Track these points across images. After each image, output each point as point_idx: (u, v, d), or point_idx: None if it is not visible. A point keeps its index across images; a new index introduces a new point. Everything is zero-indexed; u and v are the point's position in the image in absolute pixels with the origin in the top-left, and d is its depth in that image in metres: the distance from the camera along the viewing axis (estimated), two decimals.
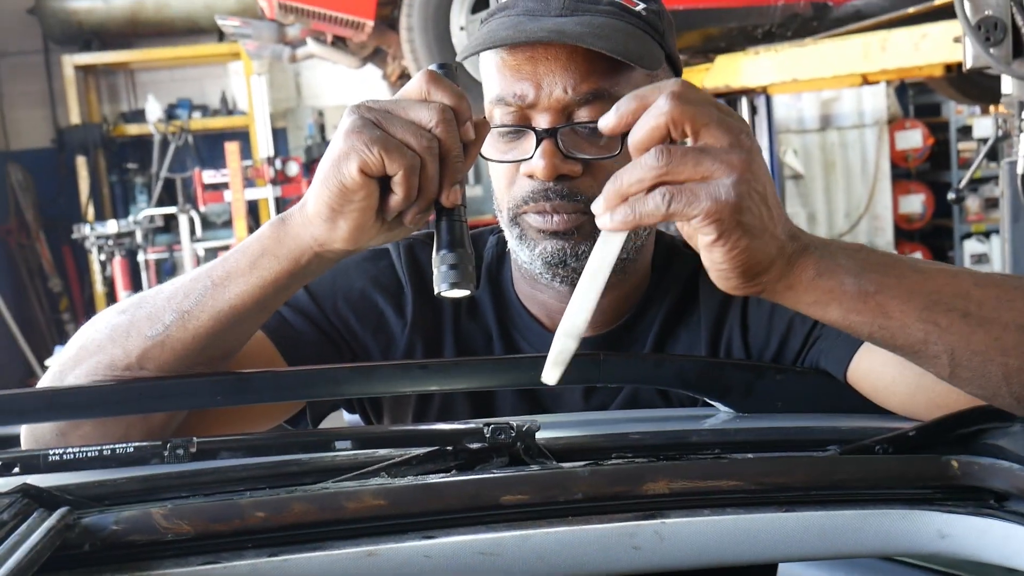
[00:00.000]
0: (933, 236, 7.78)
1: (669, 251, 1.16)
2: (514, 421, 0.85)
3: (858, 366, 0.98)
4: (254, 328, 0.94)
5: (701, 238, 0.75)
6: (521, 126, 1.02)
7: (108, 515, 0.75)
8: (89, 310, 7.83)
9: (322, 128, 8.32)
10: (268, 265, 0.87)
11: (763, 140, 5.12)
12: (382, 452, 0.84)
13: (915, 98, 7.87)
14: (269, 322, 1.01)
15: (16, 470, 0.78)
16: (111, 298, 7.18)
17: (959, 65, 2.67)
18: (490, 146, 1.05)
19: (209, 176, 7.08)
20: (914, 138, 7.68)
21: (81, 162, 7.93)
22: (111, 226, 6.77)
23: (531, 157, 1.01)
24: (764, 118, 5.15)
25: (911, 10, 3.37)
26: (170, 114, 8.06)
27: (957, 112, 7.52)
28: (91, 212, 7.89)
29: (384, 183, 0.82)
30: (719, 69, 4.03)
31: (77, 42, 7.93)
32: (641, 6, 1.05)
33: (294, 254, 0.86)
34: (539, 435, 0.87)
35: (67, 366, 0.92)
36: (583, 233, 1.03)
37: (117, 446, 0.79)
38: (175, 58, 8.04)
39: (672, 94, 0.74)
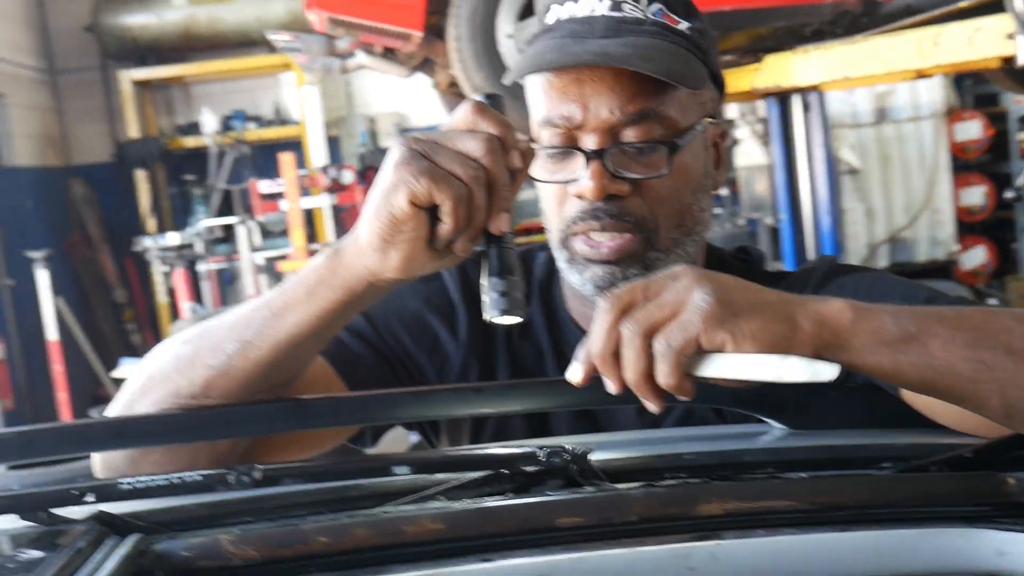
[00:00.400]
0: (996, 228, 7.64)
1: (719, 265, 1.17)
2: (568, 444, 0.86)
3: None
4: (313, 355, 0.96)
5: (728, 349, 0.77)
6: (569, 147, 1.04)
7: (178, 541, 0.78)
8: (152, 320, 8.00)
9: (374, 135, 8.41)
10: (324, 295, 0.89)
11: (816, 136, 5.08)
12: (440, 476, 0.86)
13: (973, 88, 7.73)
14: (328, 346, 1.04)
15: (91, 498, 0.81)
16: (173, 308, 7.32)
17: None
18: (539, 167, 1.06)
19: (265, 186, 7.19)
20: (973, 129, 7.54)
21: (141, 175, 8.10)
22: (171, 238, 6.90)
23: (580, 178, 1.03)
24: (817, 114, 5.11)
25: (963, 4, 3.32)
26: (225, 126, 8.20)
27: (1017, 102, 7.38)
28: (152, 224, 8.06)
29: (433, 213, 0.84)
30: (769, 68, 4.01)
31: (133, 58, 8.10)
32: (684, 25, 1.06)
33: (349, 284, 0.89)
34: (593, 456, 0.88)
35: (136, 395, 0.95)
36: (633, 258, 1.04)
37: (186, 474, 0.82)
38: (228, 70, 8.18)
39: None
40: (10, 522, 0.82)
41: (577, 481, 0.86)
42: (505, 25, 3.59)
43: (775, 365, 0.77)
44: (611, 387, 0.81)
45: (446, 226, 0.84)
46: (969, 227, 7.69)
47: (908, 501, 0.84)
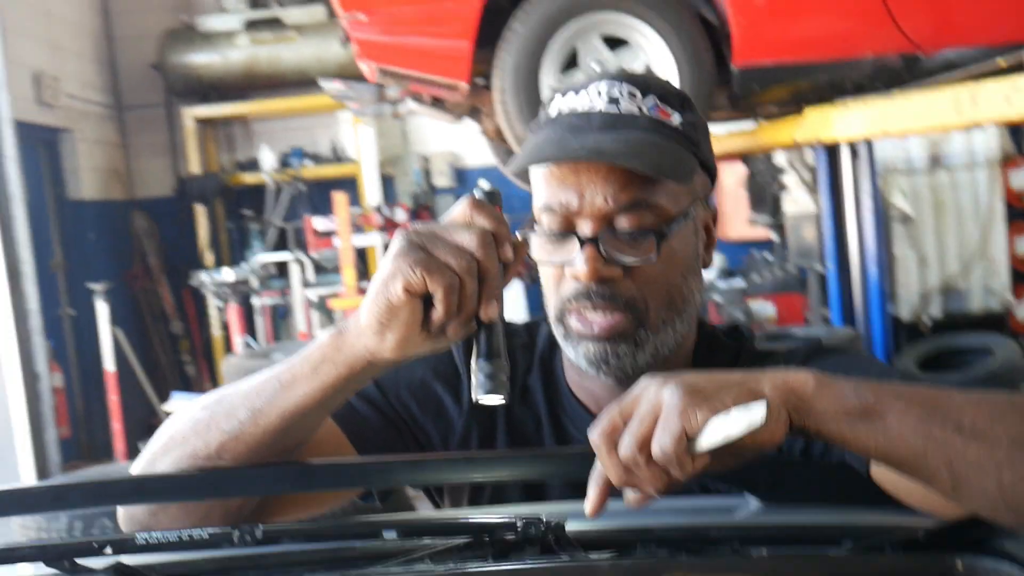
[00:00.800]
0: None
1: (710, 342, 1.23)
2: (546, 513, 0.93)
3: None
4: (318, 424, 1.05)
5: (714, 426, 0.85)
6: (566, 231, 1.12)
7: None
8: (207, 352, 8.19)
9: (428, 174, 8.56)
10: (327, 371, 0.98)
11: (864, 185, 5.09)
12: (427, 540, 0.93)
13: None
14: (340, 410, 1.12)
15: (109, 551, 0.90)
16: (227, 341, 7.50)
17: None
18: (539, 248, 1.14)
19: (319, 223, 7.35)
20: None
21: (200, 210, 8.32)
22: (226, 274, 7.07)
23: (575, 261, 1.11)
24: (865, 163, 5.11)
25: (1001, 62, 3.34)
26: (283, 163, 8.40)
27: None
28: (210, 257, 8.27)
29: (427, 300, 0.92)
30: (810, 121, 4.05)
31: (197, 95, 8.35)
32: (676, 118, 1.14)
33: (349, 361, 0.97)
34: (572, 524, 0.95)
35: (157, 454, 1.04)
36: (623, 336, 1.12)
37: (194, 532, 0.90)
38: (287, 109, 8.39)
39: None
40: (37, 569, 0.91)
41: (553, 549, 0.93)
42: (548, 77, 3.69)
43: (735, 416, 0.84)
44: (645, 500, 0.89)
45: (438, 312, 0.92)
46: None
47: None
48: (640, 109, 1.14)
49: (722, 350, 1.23)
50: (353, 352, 0.97)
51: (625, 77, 1.17)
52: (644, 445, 0.86)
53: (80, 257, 7.60)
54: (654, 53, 3.77)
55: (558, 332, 1.16)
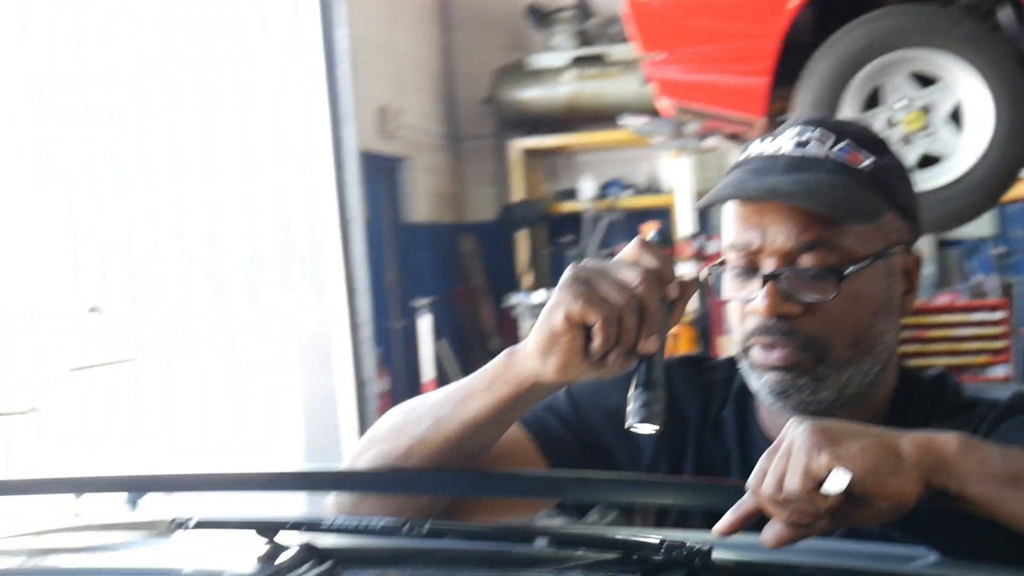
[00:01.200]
0: None
1: (910, 389, 1.20)
2: (690, 540, 0.96)
3: None
4: (494, 436, 1.13)
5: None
6: (749, 269, 1.14)
7: (360, 572, 0.98)
8: None
9: None
10: (499, 388, 1.07)
11: None
12: (578, 552, 0.99)
13: None
14: (533, 423, 1.22)
15: (302, 529, 1.03)
16: None
17: None
18: (727, 285, 1.18)
19: None
20: None
21: (521, 235, 8.74)
22: (538, 296, 7.38)
23: (756, 297, 1.14)
24: None
25: None
26: (602, 193, 8.65)
27: None
28: (529, 279, 8.66)
29: (588, 330, 0.99)
30: None
31: (524, 128, 8.79)
32: (867, 162, 1.14)
33: (519, 380, 1.05)
34: (726, 553, 0.97)
35: (362, 450, 1.18)
36: (802, 368, 1.14)
37: (372, 521, 1.02)
38: (608, 141, 8.62)
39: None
40: (244, 537, 1.06)
41: (697, 573, 0.96)
42: (849, 112, 3.60)
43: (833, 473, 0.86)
44: (781, 538, 0.92)
45: (597, 342, 0.99)
46: None
47: None
48: (827, 154, 1.15)
49: (921, 398, 1.19)
50: (520, 372, 1.05)
51: (820, 122, 1.20)
52: (781, 483, 0.88)
53: (411, 275, 8.21)
54: (968, 91, 3.56)
55: (743, 365, 1.19)
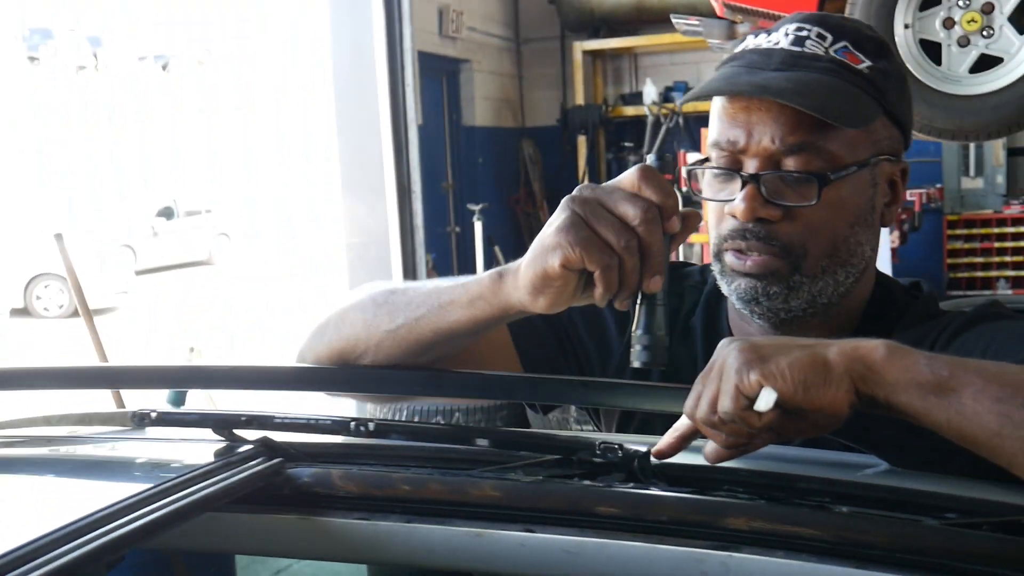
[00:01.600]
0: None
1: (884, 297, 1.17)
2: (628, 443, 0.96)
3: None
4: (467, 344, 1.12)
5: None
6: (731, 169, 1.11)
7: (304, 469, 0.99)
8: None
9: None
10: (482, 308, 1.04)
11: None
12: (520, 453, 1.00)
13: None
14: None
15: (254, 426, 1.06)
16: None
17: None
18: (707, 184, 1.15)
19: (692, 158, 7.36)
20: None
21: (581, 140, 8.64)
22: None
23: (735, 199, 1.11)
24: None
25: None
26: (665, 97, 8.48)
27: None
28: None
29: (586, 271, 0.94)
30: None
31: (588, 29, 8.62)
32: (865, 64, 1.09)
33: (503, 305, 1.02)
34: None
35: (329, 324, 1.17)
36: (775, 276, 1.11)
37: (320, 418, 1.04)
38: (675, 43, 8.41)
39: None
40: (202, 434, 1.09)
41: (638, 477, 0.96)
42: (904, 15, 3.44)
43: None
44: (720, 455, 0.93)
45: (598, 290, 0.94)
46: None
47: (939, 552, 0.84)
48: (826, 51, 1.10)
49: (892, 305, 1.17)
50: (507, 300, 1.00)
51: (821, 19, 1.14)
52: (714, 405, 0.88)
53: (470, 179, 8.20)
54: None
55: (716, 268, 1.17)
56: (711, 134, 1.14)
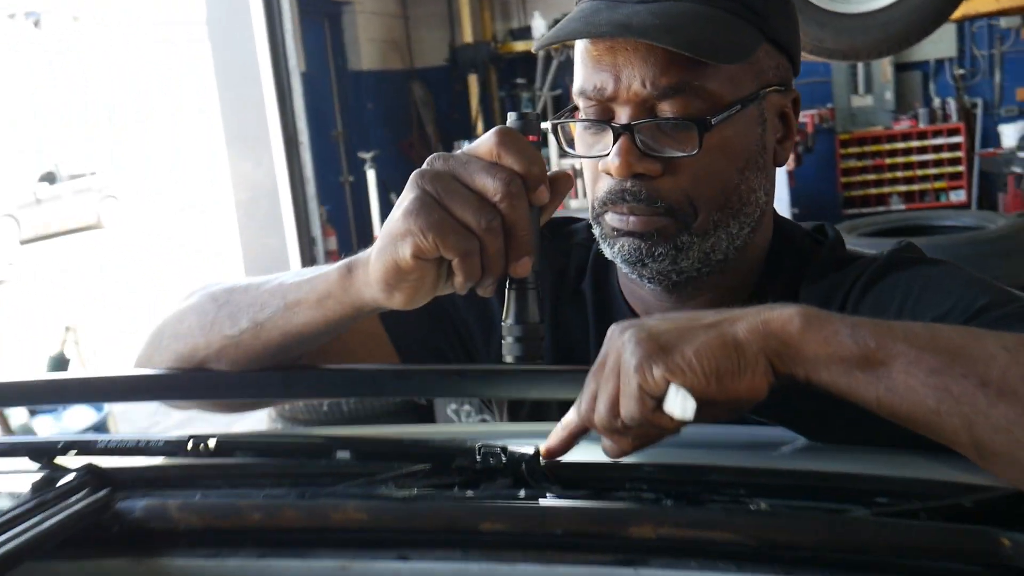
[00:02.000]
0: None
1: (784, 246, 1.06)
2: (512, 446, 0.83)
3: None
4: (322, 342, 0.97)
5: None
6: (603, 121, 0.97)
7: (136, 501, 0.84)
8: None
9: None
10: (332, 307, 0.89)
11: None
12: (390, 464, 0.86)
13: None
14: None
15: (72, 452, 0.89)
16: None
17: None
18: (578, 139, 1.01)
19: None
20: None
21: (472, 79, 8.43)
22: None
23: (609, 154, 0.96)
24: None
25: None
26: None
27: None
28: (482, 127, 8.40)
29: (444, 260, 0.81)
30: None
31: None
32: None
33: (356, 304, 0.88)
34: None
35: (164, 335, 1.02)
36: (662, 236, 0.98)
37: (152, 439, 0.88)
38: None
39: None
40: (21, 464, 0.92)
41: (527, 481, 0.83)
42: None
43: (671, 395, 0.72)
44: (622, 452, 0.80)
45: (458, 279, 0.81)
46: None
47: (876, 548, 0.73)
48: None
49: (795, 254, 1.05)
50: (360, 297, 0.87)
51: None
52: (615, 408, 0.75)
53: (360, 126, 7.93)
54: None
55: (597, 232, 1.03)
56: (576, 81, 1.00)
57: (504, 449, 0.83)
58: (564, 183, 0.82)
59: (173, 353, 0.99)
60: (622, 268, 1.03)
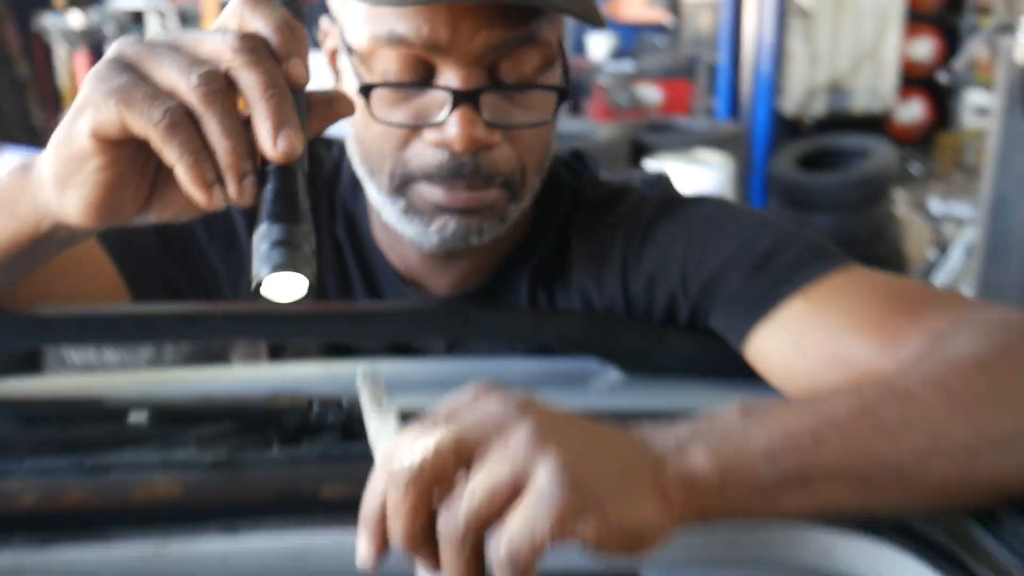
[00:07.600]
0: (938, 84, 7.53)
1: (550, 184, 0.95)
2: (346, 400, 0.73)
3: (755, 342, 0.82)
4: (15, 277, 0.77)
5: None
6: (426, 81, 0.80)
7: None
8: (57, 101, 7.58)
9: None
10: (6, 224, 0.68)
11: None
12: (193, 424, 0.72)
13: None
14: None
15: None
16: (74, 92, 6.92)
17: None
18: (376, 100, 0.81)
19: None
20: None
21: None
22: (75, 19, 6.41)
23: (444, 123, 0.79)
24: None
25: None
26: None
27: None
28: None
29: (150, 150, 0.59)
30: None
31: None
32: None
33: (32, 218, 0.67)
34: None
35: None
36: (493, 210, 0.84)
37: None
38: None
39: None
40: None
41: (358, 435, 0.74)
42: None
43: None
44: None
45: (178, 172, 0.57)
46: (913, 81, 7.56)
47: None
48: None
49: (561, 193, 0.96)
50: (36, 206, 0.66)
51: None
52: (482, 522, 0.52)
53: None
54: None
55: (393, 205, 0.85)
56: (379, 23, 0.78)
57: (340, 405, 0.72)
58: (343, 104, 0.65)
59: None
60: (427, 246, 0.87)
